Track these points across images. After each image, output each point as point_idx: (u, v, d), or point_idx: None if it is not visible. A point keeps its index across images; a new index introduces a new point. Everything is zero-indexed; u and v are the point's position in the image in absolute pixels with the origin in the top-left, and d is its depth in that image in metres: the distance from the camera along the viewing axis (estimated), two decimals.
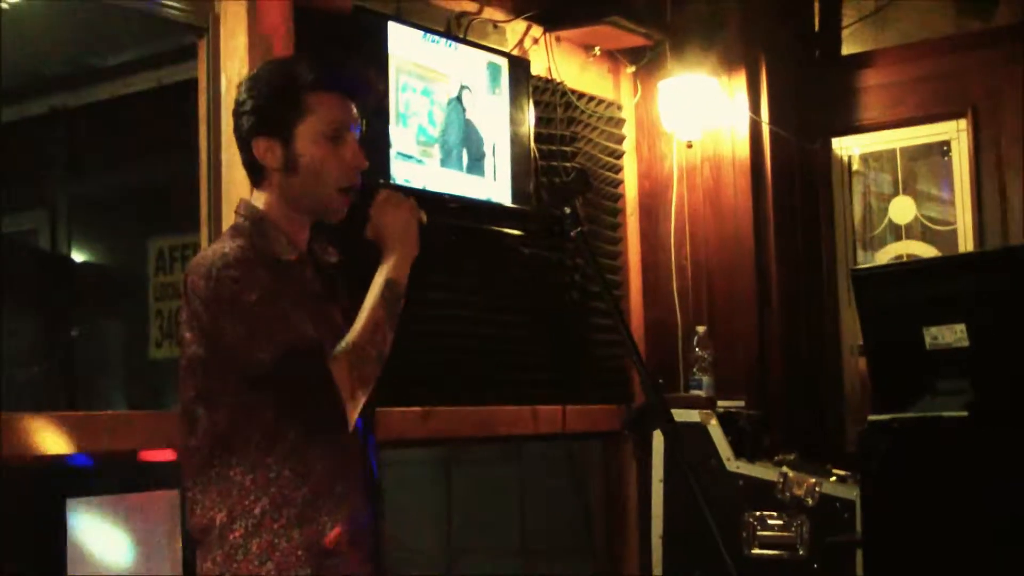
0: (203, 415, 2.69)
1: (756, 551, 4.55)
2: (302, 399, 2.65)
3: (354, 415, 2.66)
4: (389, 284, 2.75)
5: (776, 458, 4.74)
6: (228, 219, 3.78)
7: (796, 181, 5.51)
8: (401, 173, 4.23)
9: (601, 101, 5.40)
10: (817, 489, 4.46)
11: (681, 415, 4.70)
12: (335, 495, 2.71)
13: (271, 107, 2.76)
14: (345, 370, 2.63)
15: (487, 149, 4.63)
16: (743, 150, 5.38)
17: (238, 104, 2.81)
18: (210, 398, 2.69)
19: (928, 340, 3.77)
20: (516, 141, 4.75)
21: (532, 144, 4.85)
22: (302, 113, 2.74)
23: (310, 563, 2.66)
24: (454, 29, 4.66)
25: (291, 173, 2.76)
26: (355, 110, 2.82)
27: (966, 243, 5.34)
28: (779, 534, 4.53)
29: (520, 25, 5.00)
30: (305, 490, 2.67)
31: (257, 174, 2.81)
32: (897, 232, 5.57)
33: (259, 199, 2.81)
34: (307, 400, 2.65)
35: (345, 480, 2.74)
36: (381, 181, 4.08)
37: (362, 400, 2.68)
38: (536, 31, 5.06)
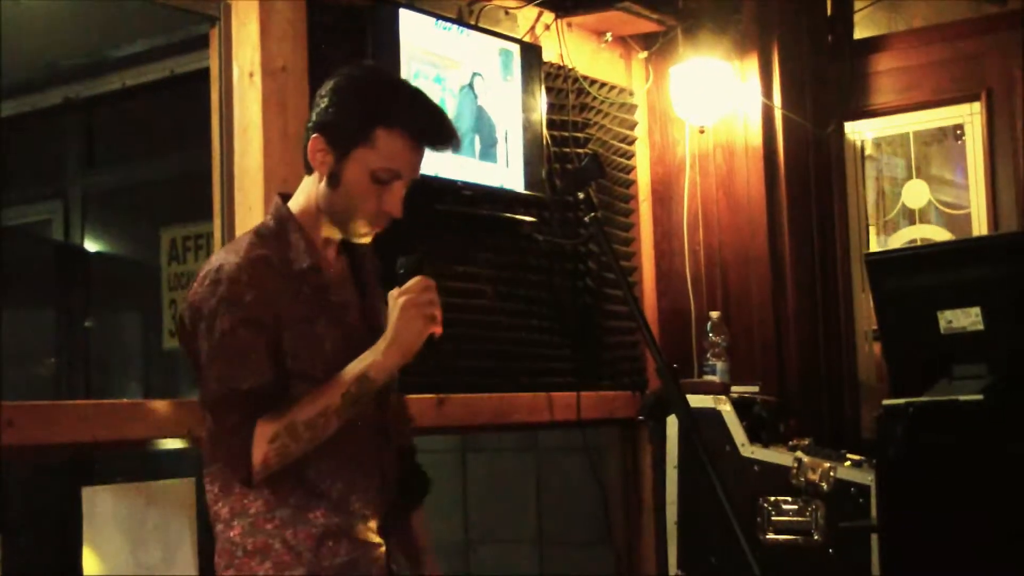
0: (206, 414, 2.72)
1: (771, 536, 4.55)
2: (217, 443, 2.65)
3: (259, 478, 2.60)
4: (361, 380, 2.63)
5: (791, 443, 4.74)
6: (241, 208, 3.79)
7: (809, 166, 5.49)
8: None
9: (613, 87, 5.40)
10: (832, 474, 4.46)
11: (696, 401, 4.69)
12: (331, 497, 2.70)
13: (341, 121, 2.71)
14: (267, 438, 2.57)
15: (499, 136, 4.63)
16: (756, 136, 5.36)
17: (320, 96, 2.76)
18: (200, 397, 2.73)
19: (943, 324, 3.77)
20: (528, 128, 4.74)
21: (544, 131, 4.85)
22: (366, 142, 2.69)
23: (303, 564, 2.66)
24: (466, 16, 4.65)
25: (331, 187, 2.73)
26: (420, 156, 2.75)
27: (980, 227, 5.32)
28: (794, 519, 4.52)
29: (532, 11, 4.99)
30: (299, 491, 2.67)
31: (308, 165, 2.78)
32: (911, 216, 5.56)
33: (301, 192, 2.79)
34: (219, 446, 2.65)
35: (346, 480, 2.73)
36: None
37: (273, 469, 2.60)
38: (548, 17, 5.05)
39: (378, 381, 2.65)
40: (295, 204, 2.80)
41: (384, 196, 2.72)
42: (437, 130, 2.77)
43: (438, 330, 2.72)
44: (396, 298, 2.67)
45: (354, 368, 2.64)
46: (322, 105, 2.74)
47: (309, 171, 2.78)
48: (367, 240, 2.81)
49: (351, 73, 2.79)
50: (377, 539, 2.79)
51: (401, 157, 2.71)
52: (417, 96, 2.79)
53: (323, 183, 2.74)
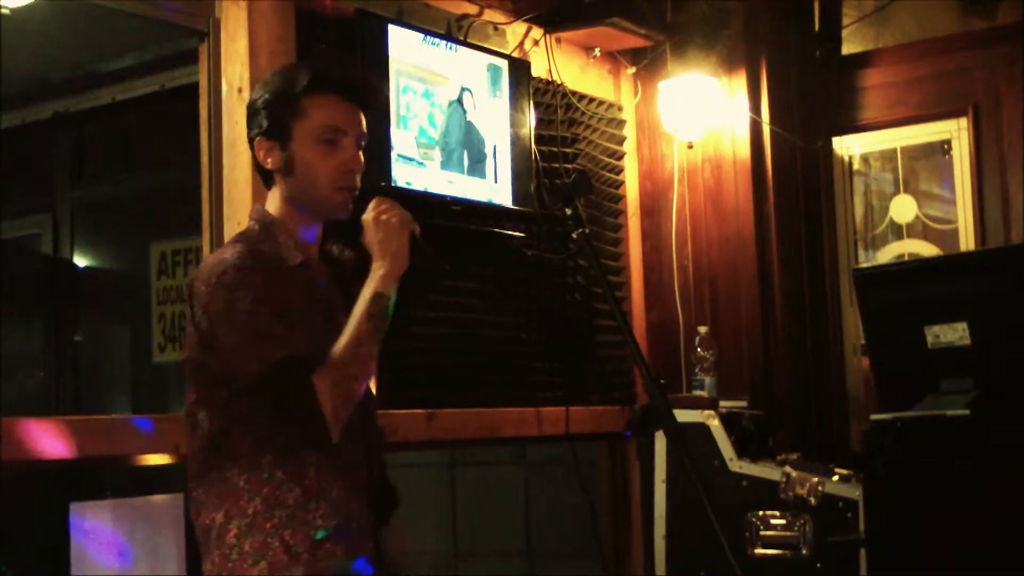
0: (203, 417, 2.72)
1: (759, 551, 4.55)
2: (286, 412, 2.66)
3: (336, 431, 2.63)
4: (375, 299, 2.70)
5: (779, 458, 4.75)
6: (230, 222, 3.80)
7: (797, 181, 5.50)
8: (402, 175, 4.24)
9: (602, 102, 5.41)
10: (820, 488, 4.47)
11: (684, 415, 4.70)
12: (330, 498, 2.72)
13: (271, 110, 2.78)
14: (327, 387, 2.61)
15: (488, 151, 4.64)
16: (744, 150, 5.38)
17: (247, 108, 2.84)
18: (208, 401, 2.71)
19: (930, 339, 3.78)
20: (517, 143, 4.76)
21: (533, 146, 4.86)
22: (298, 116, 2.76)
23: (301, 564, 2.67)
24: (454, 31, 4.67)
25: (288, 175, 2.79)
26: (357, 113, 2.82)
27: (967, 242, 5.34)
28: (782, 534, 4.53)
29: (520, 27, 5.00)
30: (297, 492, 2.69)
31: (266, 176, 2.84)
32: (898, 231, 5.57)
33: (271, 203, 2.84)
34: (290, 414, 2.65)
35: (343, 483, 2.75)
36: (383, 184, 4.09)
37: (345, 416, 2.65)
38: (536, 33, 5.07)
39: (388, 294, 2.71)
40: (271, 212, 2.84)
41: (337, 154, 2.77)
42: (351, 78, 2.86)
43: (416, 228, 2.80)
44: (365, 221, 2.77)
45: (364, 295, 2.70)
46: (250, 112, 2.82)
47: (268, 185, 2.84)
48: (347, 214, 2.83)
49: (266, 78, 2.88)
50: (370, 544, 2.81)
51: (335, 114, 2.78)
52: (323, 57, 2.87)
53: (280, 179, 2.80)
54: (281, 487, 2.67)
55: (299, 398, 2.61)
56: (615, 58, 5.55)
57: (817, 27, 5.61)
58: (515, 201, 4.72)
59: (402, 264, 2.76)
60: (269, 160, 2.79)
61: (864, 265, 5.40)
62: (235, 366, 2.64)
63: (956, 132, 5.40)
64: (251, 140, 2.82)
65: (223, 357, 2.66)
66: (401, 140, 4.25)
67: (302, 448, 2.69)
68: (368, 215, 2.78)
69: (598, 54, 5.39)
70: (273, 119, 2.77)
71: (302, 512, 2.68)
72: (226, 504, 2.68)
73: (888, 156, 5.61)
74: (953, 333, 3.75)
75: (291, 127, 2.76)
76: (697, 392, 5.16)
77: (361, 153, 2.82)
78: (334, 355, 2.64)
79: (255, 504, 2.67)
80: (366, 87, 2.88)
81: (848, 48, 5.64)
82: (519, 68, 4.83)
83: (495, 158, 4.66)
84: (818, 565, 4.46)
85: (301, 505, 2.68)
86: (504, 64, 4.75)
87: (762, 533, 4.56)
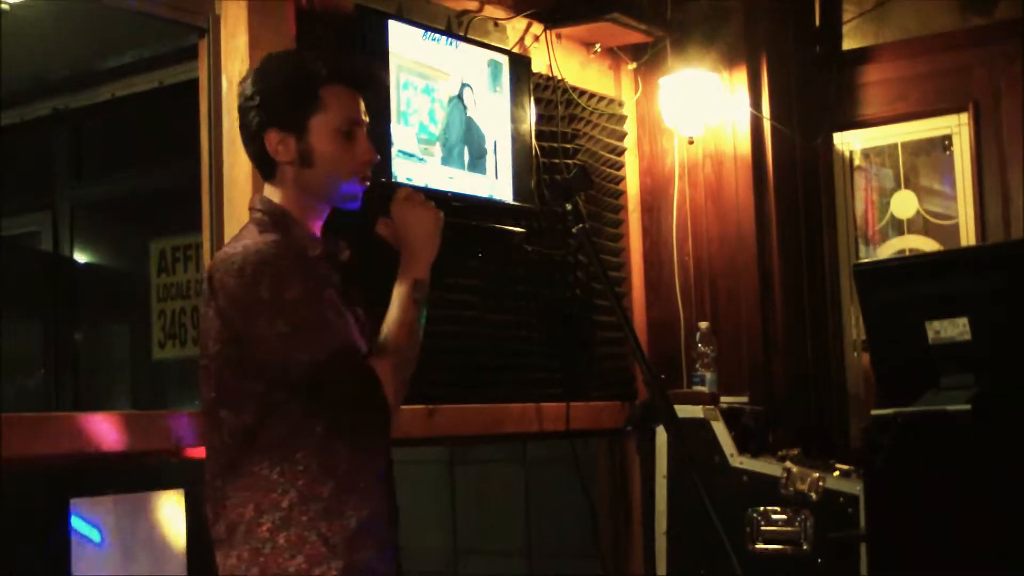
0: (227, 415, 2.68)
1: (760, 546, 4.55)
2: (345, 402, 2.66)
3: (397, 417, 2.70)
4: (419, 285, 2.77)
5: (779, 453, 4.75)
6: (230, 219, 3.79)
7: (798, 176, 5.50)
8: (402, 171, 4.24)
9: (602, 98, 5.41)
10: (821, 484, 4.47)
11: (684, 411, 4.70)
12: (359, 490, 2.72)
13: (284, 100, 2.76)
14: (390, 373, 2.66)
15: (488, 147, 4.64)
16: (744, 146, 5.37)
17: (245, 98, 2.79)
18: (236, 397, 2.67)
19: (931, 335, 3.77)
20: (517, 138, 4.75)
21: (533, 141, 4.85)
22: (317, 107, 2.75)
23: (339, 556, 2.66)
24: (455, 27, 4.66)
25: (306, 166, 2.77)
26: (363, 104, 2.83)
27: (968, 237, 5.33)
28: (783, 529, 4.53)
29: (521, 23, 5.00)
30: (332, 484, 2.68)
31: (268, 168, 2.81)
32: (899, 227, 5.57)
33: (274, 194, 2.81)
34: (352, 404, 2.66)
35: (368, 475, 2.75)
36: (383, 180, 4.08)
37: (401, 401, 2.71)
38: (537, 28, 5.06)
39: (427, 279, 2.81)
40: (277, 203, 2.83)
41: (355, 146, 2.80)
42: (362, 70, 2.89)
43: (441, 215, 2.87)
44: (396, 211, 2.84)
45: (404, 283, 2.77)
46: (255, 104, 2.77)
47: (267, 176, 2.82)
48: (357, 205, 2.84)
49: (262, 67, 2.85)
50: (390, 532, 2.83)
51: (351, 104, 2.80)
52: (325, 51, 2.88)
53: (294, 171, 2.78)
54: (316, 479, 2.66)
55: (363, 386, 2.63)
56: (616, 54, 5.55)
57: (817, 23, 5.61)
58: (515, 197, 4.72)
59: (435, 250, 2.83)
60: (281, 151, 2.76)
61: (864, 261, 5.40)
62: (282, 357, 2.62)
63: (957, 128, 5.40)
64: (256, 132, 2.78)
65: (265, 348, 2.63)
66: (401, 136, 4.25)
67: (339, 437, 2.68)
68: (400, 205, 2.83)
69: (599, 50, 5.39)
70: (287, 110, 2.75)
71: (337, 504, 2.68)
72: (256, 498, 2.66)
73: (889, 152, 5.60)
74: (954, 329, 3.74)
75: (309, 118, 2.75)
76: (697, 388, 5.16)
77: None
78: (390, 343, 2.70)
79: (290, 497, 2.65)
80: (372, 75, 2.95)
81: (848, 44, 5.64)
82: (519, 64, 4.83)
83: (495, 154, 4.66)
84: (819, 561, 4.47)
85: (336, 497, 2.68)
86: (504, 60, 4.75)
87: (763, 529, 4.56)
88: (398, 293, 2.76)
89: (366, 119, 2.84)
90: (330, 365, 2.61)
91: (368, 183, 2.84)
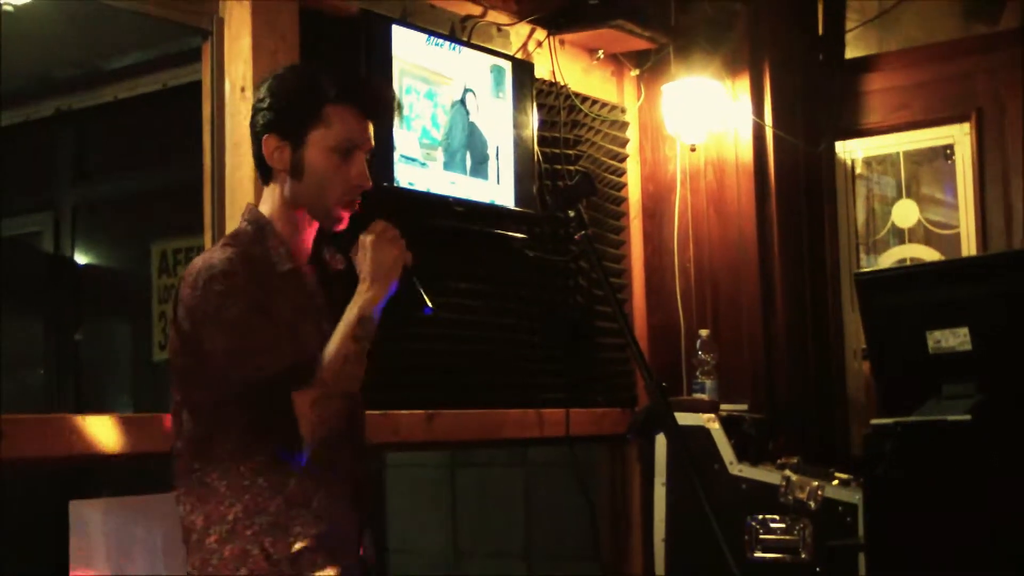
0: (186, 419, 2.71)
1: (759, 554, 4.55)
2: (265, 424, 2.65)
3: (311, 449, 2.63)
4: (362, 321, 2.68)
5: (779, 461, 4.74)
6: (232, 221, 3.80)
7: (800, 184, 5.50)
8: (404, 176, 4.24)
9: (605, 104, 5.41)
10: (820, 492, 4.46)
11: (684, 418, 4.69)
12: (311, 508, 2.70)
13: (290, 109, 2.77)
14: (307, 406, 2.61)
15: (491, 152, 4.64)
16: (747, 154, 5.37)
17: (258, 101, 2.82)
18: (191, 404, 2.70)
19: (931, 344, 3.77)
20: (520, 144, 4.75)
21: (536, 147, 4.85)
22: (318, 122, 2.76)
23: (282, 572, 2.65)
24: (458, 32, 4.66)
25: (296, 178, 2.78)
26: (369, 129, 2.82)
27: (969, 247, 5.34)
28: (782, 537, 4.52)
29: (524, 28, 5.00)
30: (279, 500, 2.67)
31: (266, 172, 2.82)
32: (900, 236, 5.57)
33: (266, 201, 2.82)
34: (268, 427, 2.64)
35: (325, 495, 2.73)
36: (385, 184, 4.08)
37: (322, 435, 2.64)
38: (540, 34, 5.07)
39: (374, 318, 2.69)
40: (264, 212, 2.83)
41: (349, 169, 2.78)
42: (373, 95, 2.90)
43: (409, 257, 2.78)
44: (363, 239, 2.74)
45: (349, 315, 2.68)
46: (264, 107, 2.79)
47: (266, 181, 2.83)
48: (343, 226, 2.83)
49: (280, 74, 2.86)
50: (354, 551, 2.80)
51: (353, 126, 2.78)
52: (350, 73, 2.87)
53: (285, 179, 2.78)
54: (262, 495, 2.66)
55: (278, 414, 2.60)
56: (619, 60, 5.55)
57: (821, 31, 5.62)
58: (517, 202, 4.72)
59: (387, 290, 2.73)
60: (275, 157, 2.78)
61: (866, 269, 5.40)
62: (221, 373, 2.63)
63: (959, 137, 5.40)
64: (258, 133, 2.80)
65: (208, 363, 2.64)
66: (404, 140, 4.25)
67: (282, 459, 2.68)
68: (367, 236, 2.75)
69: (602, 56, 5.39)
70: (289, 119, 2.76)
71: (283, 520, 2.67)
72: (206, 508, 2.67)
73: (891, 160, 5.61)
74: (955, 338, 3.74)
75: (307, 131, 2.75)
76: (698, 395, 5.16)
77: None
78: (317, 375, 2.63)
79: (235, 510, 2.66)
80: (385, 103, 2.95)
81: (851, 52, 5.65)
82: (522, 69, 4.83)
83: (498, 159, 4.66)
84: (817, 569, 4.46)
85: (283, 513, 2.67)
86: (508, 65, 4.75)
87: (762, 537, 4.56)
88: (342, 324, 2.69)
89: (371, 145, 2.83)
90: (251, 387, 2.60)
91: (356, 209, 2.82)
